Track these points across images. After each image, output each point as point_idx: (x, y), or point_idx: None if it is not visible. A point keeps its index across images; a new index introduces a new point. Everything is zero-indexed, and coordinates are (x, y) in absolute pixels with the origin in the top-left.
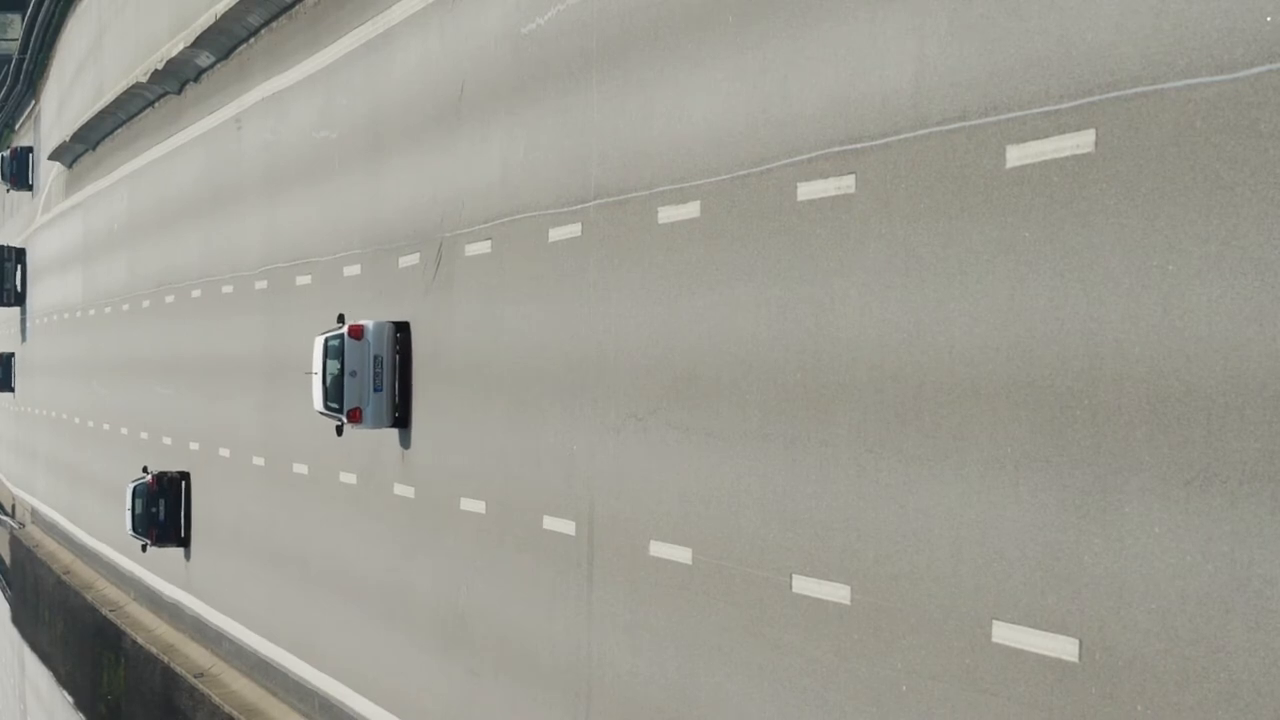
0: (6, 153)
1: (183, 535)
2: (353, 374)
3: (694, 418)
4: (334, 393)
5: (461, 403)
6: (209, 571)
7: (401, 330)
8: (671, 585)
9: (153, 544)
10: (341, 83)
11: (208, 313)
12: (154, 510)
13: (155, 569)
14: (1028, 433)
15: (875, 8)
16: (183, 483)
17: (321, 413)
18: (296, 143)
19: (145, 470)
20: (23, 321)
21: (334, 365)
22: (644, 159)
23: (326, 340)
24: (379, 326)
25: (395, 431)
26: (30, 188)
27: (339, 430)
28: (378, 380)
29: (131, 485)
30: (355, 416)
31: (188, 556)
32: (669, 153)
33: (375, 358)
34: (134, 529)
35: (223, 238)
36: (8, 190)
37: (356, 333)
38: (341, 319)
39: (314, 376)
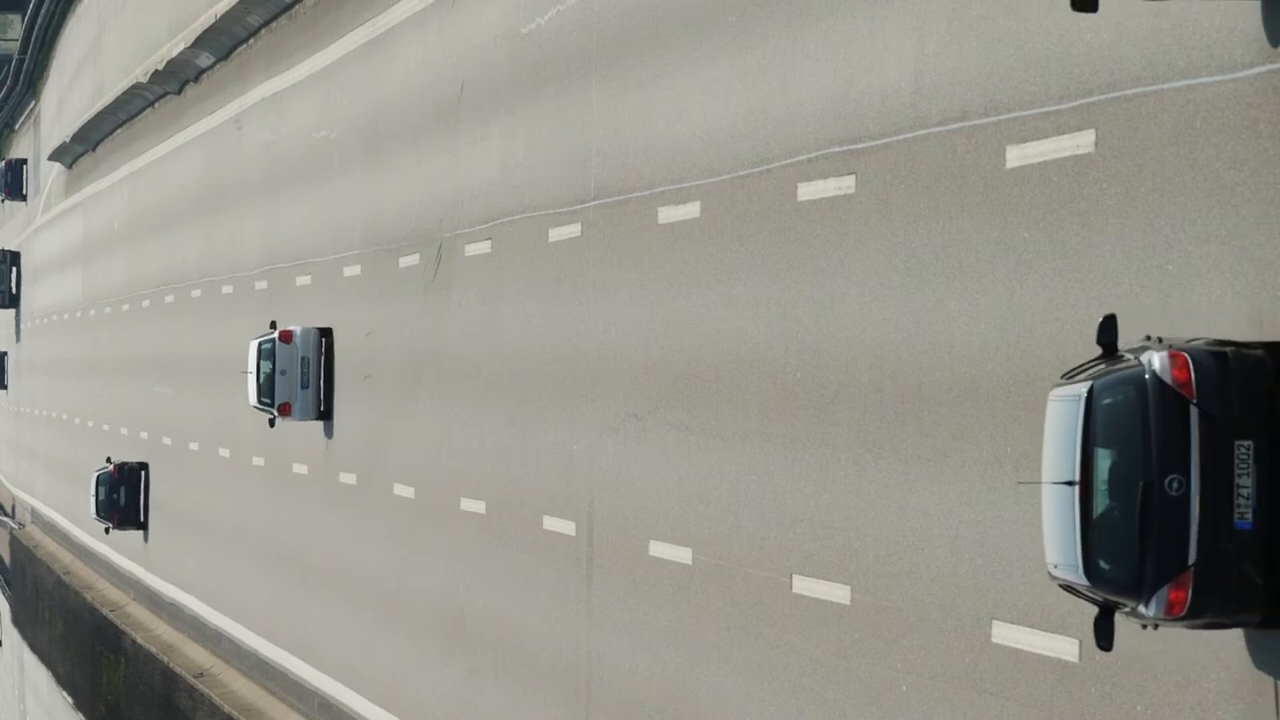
0: (1, 164)
1: (141, 519)
2: (283, 373)
3: (694, 417)
4: (266, 389)
5: (461, 403)
6: (210, 571)
7: (326, 335)
8: (671, 585)
9: (115, 527)
10: (341, 83)
11: (208, 313)
12: (115, 496)
13: (156, 569)
14: (1028, 433)
15: (875, 7)
16: (142, 472)
17: (255, 407)
18: (296, 143)
19: (109, 460)
20: (17, 322)
21: (266, 366)
22: (644, 159)
23: (260, 344)
24: (306, 332)
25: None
26: (24, 198)
27: (271, 423)
28: (305, 379)
29: (96, 474)
30: (285, 410)
31: (146, 540)
32: (669, 153)
33: (303, 359)
34: (98, 513)
35: (223, 238)
36: (2, 200)
37: (286, 337)
38: (274, 325)
39: (249, 375)
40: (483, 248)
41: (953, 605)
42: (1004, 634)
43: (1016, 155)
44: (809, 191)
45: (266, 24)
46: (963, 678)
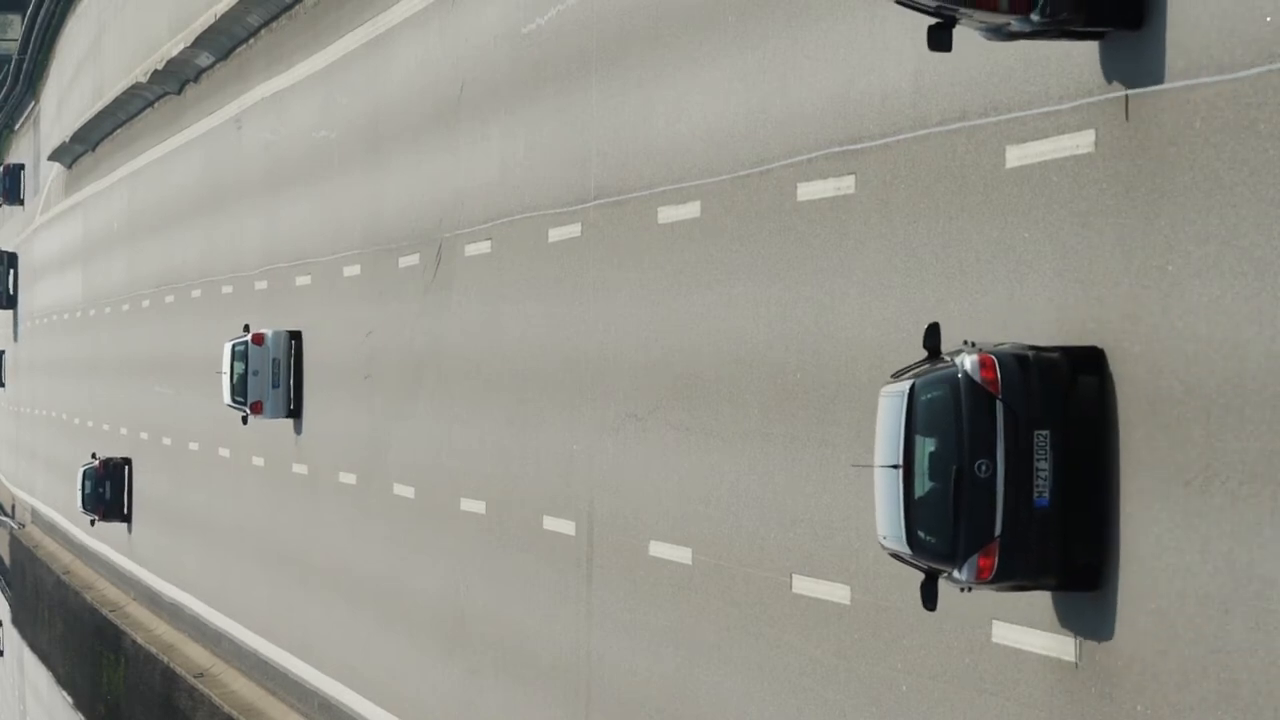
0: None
1: (125, 513)
2: (255, 374)
3: (694, 417)
4: (240, 389)
5: (460, 403)
6: (210, 571)
7: (295, 338)
8: (671, 585)
9: (100, 519)
10: (341, 83)
11: (208, 313)
12: (101, 490)
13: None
14: None
15: (875, 7)
16: (126, 467)
17: (229, 405)
18: (296, 143)
19: (94, 456)
20: (15, 323)
21: (240, 366)
22: (644, 159)
23: (233, 346)
24: (276, 335)
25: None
26: (22, 203)
27: (244, 420)
28: (275, 379)
29: (81, 469)
30: (257, 409)
31: (130, 531)
32: (669, 153)
33: (274, 360)
34: (84, 506)
35: (223, 238)
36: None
37: (259, 340)
38: (246, 328)
39: (223, 376)
40: (483, 248)
41: (953, 605)
42: (1004, 634)
43: (1016, 155)
44: (809, 191)
45: (266, 24)
46: (963, 678)
